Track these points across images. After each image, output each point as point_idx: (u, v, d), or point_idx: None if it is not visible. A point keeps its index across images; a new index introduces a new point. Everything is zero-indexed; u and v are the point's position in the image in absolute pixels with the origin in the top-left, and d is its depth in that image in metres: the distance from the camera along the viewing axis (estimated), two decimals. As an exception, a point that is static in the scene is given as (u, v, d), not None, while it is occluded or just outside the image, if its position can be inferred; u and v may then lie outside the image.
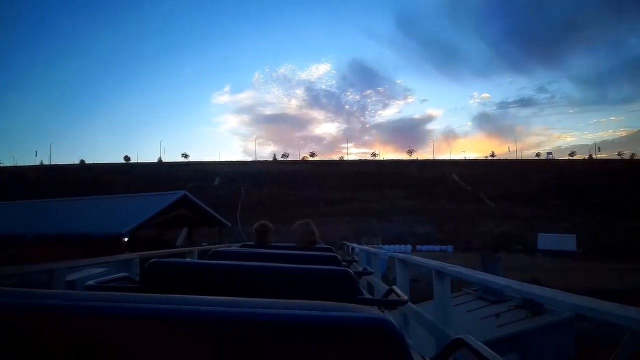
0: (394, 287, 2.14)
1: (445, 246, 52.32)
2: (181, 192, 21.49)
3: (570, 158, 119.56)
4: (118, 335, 0.69)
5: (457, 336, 1.04)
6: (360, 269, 5.15)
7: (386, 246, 44.47)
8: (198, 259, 5.69)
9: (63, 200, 27.34)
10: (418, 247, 51.96)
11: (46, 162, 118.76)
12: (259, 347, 0.68)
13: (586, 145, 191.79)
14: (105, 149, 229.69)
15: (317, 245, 3.61)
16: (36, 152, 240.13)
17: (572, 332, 9.72)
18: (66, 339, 0.68)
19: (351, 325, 0.70)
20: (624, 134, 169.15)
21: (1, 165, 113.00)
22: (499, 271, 11.18)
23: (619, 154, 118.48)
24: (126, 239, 17.47)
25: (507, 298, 10.96)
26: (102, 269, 5.65)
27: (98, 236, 20.80)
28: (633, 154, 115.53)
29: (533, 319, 9.59)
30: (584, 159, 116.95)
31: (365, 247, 9.99)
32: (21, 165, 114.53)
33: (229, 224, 26.41)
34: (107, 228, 18.62)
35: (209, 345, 0.68)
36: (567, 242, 47.29)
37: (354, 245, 12.37)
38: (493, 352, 0.89)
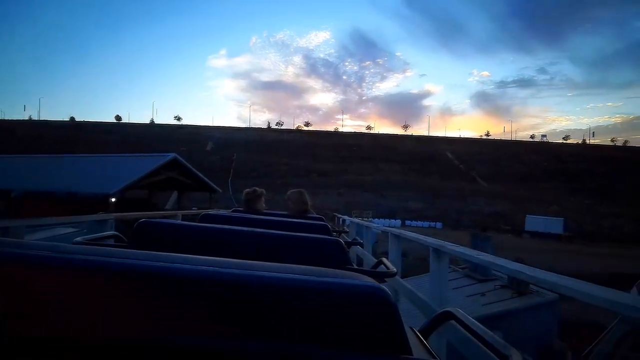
0: (383, 259, 2.09)
1: (434, 223, 52.70)
2: (171, 155, 21.10)
3: (564, 142, 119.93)
4: (108, 290, 0.68)
5: (445, 309, 1.03)
6: (349, 239, 5.09)
7: (376, 220, 44.72)
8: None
9: (52, 157, 26.91)
10: (407, 222, 52.27)
11: (35, 117, 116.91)
12: (251, 308, 0.69)
13: (581, 129, 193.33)
14: (96, 106, 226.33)
15: (309, 215, 3.57)
16: (25, 106, 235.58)
17: (556, 313, 9.81)
18: (54, 292, 0.68)
19: (345, 292, 0.70)
20: (619, 120, 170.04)
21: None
22: (488, 250, 11.12)
23: (612, 140, 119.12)
24: (113, 200, 17.18)
25: (494, 277, 11.01)
26: (70, 230, 5.21)
27: (85, 195, 20.50)
28: (626, 141, 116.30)
29: (518, 299, 9.63)
30: (577, 144, 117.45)
31: (356, 220, 9.81)
32: (9, 119, 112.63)
33: (220, 190, 26.17)
34: (94, 188, 18.30)
35: (201, 304, 0.68)
36: (555, 224, 47.77)
37: (345, 217, 12.22)
38: (481, 325, 0.89)
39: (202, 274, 0.70)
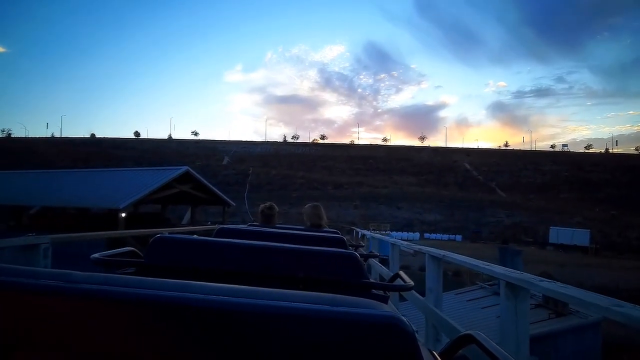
0: (400, 272, 2.00)
1: (453, 235, 51.30)
2: (184, 168, 20.65)
3: (586, 151, 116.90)
4: (118, 320, 0.67)
5: (466, 332, 1.00)
6: (366, 253, 4.89)
7: (394, 233, 43.71)
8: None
9: (66, 172, 26.90)
10: (426, 235, 51.05)
11: (57, 135, 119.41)
12: (262, 339, 0.67)
13: (602, 139, 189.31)
14: (115, 123, 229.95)
15: (324, 229, 3.45)
16: (47, 124, 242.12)
17: (599, 336, 8.88)
18: (61, 323, 0.67)
19: (360, 322, 0.67)
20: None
21: (13, 136, 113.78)
22: (518, 266, 10.29)
23: (636, 149, 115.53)
24: (123, 215, 16.75)
25: (527, 295, 10.15)
26: None
27: (98, 210, 20.23)
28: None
29: (557, 320, 8.74)
30: (600, 153, 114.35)
31: (377, 235, 8.95)
32: (32, 137, 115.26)
33: (233, 204, 25.67)
34: (105, 202, 17.94)
35: (211, 334, 0.67)
36: (580, 236, 45.86)
37: (365, 232, 11.39)
38: (503, 350, 0.86)
39: (210, 303, 0.68)
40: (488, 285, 11.31)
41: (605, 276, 27.53)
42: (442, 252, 3.49)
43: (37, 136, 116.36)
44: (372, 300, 0.74)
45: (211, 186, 22.82)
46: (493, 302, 10.35)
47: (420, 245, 4.52)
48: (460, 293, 11.69)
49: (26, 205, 22.27)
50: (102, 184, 19.92)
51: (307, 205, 3.77)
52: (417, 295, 4.07)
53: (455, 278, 23.39)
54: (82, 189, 19.65)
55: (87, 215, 20.39)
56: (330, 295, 0.73)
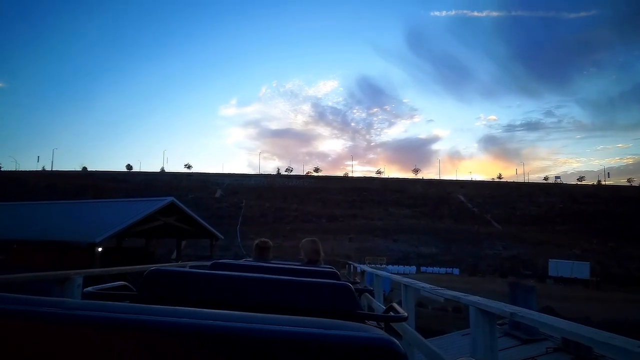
0: (394, 304, 1.92)
1: (450, 268, 50.08)
2: (169, 199, 19.61)
3: (579, 183, 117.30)
4: (115, 346, 0.67)
5: (459, 357, 0.99)
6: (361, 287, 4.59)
7: (390, 266, 42.49)
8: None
9: (46, 204, 25.79)
10: (423, 268, 49.82)
11: (48, 168, 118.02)
12: None
13: (592, 171, 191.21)
14: (108, 156, 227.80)
15: (321, 265, 3.42)
16: (38, 157, 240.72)
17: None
18: (58, 350, 0.66)
19: (353, 345, 0.67)
20: (630, 161, 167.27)
21: (2, 169, 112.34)
22: (532, 304, 9.32)
23: (628, 181, 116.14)
24: (100, 249, 15.61)
25: (542, 337, 9.12)
26: None
27: (74, 245, 19.08)
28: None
29: (581, 368, 7.69)
30: (592, 185, 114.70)
31: (383, 272, 7.82)
32: (23, 170, 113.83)
33: (222, 237, 24.47)
34: (81, 236, 16.79)
35: (204, 359, 0.66)
36: (580, 269, 44.87)
37: (364, 266, 10.20)
38: None
39: (207, 328, 0.68)
40: (498, 325, 10.27)
41: (612, 311, 26.43)
42: (508, 308, 2.07)
43: (28, 169, 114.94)
44: (364, 325, 0.72)
45: (198, 218, 21.69)
46: (505, 344, 9.30)
47: (445, 290, 3.51)
48: (467, 334, 10.61)
49: (16, 240, 21.02)
50: (81, 217, 18.80)
51: (304, 240, 3.64)
52: (411, 328, 3.84)
53: (456, 314, 22.03)
54: (61, 222, 18.56)
55: (67, 249, 19.20)
56: (323, 319, 0.72)
